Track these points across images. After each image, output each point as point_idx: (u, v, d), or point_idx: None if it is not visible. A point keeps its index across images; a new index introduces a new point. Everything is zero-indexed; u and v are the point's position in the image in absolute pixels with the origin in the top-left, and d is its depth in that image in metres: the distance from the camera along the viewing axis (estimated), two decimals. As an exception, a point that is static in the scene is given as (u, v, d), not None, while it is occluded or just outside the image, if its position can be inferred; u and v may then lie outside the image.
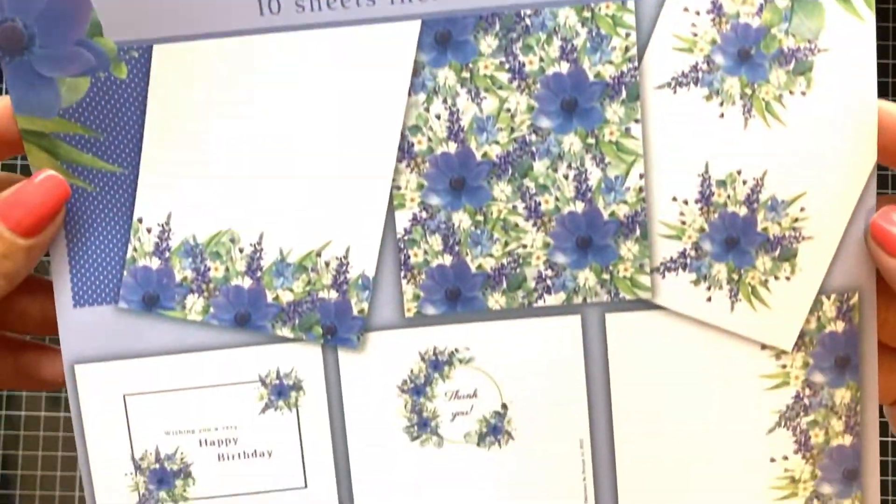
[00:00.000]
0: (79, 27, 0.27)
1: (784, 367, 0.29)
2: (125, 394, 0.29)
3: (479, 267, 0.29)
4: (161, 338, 0.29)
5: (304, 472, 0.30)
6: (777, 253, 0.29)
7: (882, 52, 0.63)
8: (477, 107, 0.28)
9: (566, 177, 0.28)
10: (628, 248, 0.29)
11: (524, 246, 0.29)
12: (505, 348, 0.29)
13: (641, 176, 0.28)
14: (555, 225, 0.28)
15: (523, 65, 0.28)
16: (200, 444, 0.29)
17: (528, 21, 0.27)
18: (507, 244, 0.29)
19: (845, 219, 0.28)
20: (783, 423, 0.30)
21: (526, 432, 0.30)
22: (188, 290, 0.29)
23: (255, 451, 0.29)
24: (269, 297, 0.29)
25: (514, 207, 0.28)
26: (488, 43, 0.28)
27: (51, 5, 0.27)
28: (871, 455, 0.30)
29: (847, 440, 0.30)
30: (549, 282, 0.29)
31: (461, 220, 0.28)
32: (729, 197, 0.28)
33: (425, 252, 0.29)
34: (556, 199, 0.28)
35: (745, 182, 0.28)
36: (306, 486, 0.30)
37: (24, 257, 0.27)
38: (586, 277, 0.29)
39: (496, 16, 0.27)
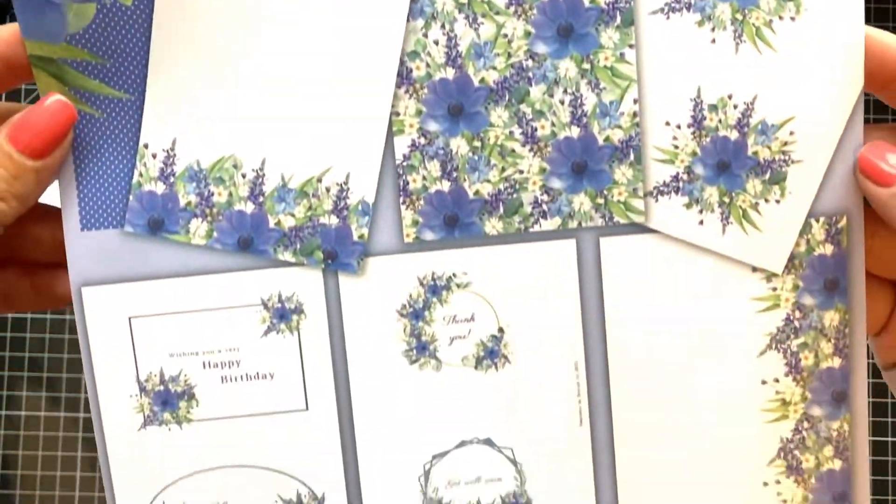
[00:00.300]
0: (85, -46, 0.28)
1: (774, 289, 0.30)
2: (130, 316, 0.30)
3: (477, 193, 0.29)
4: (166, 261, 0.29)
5: (306, 394, 0.30)
6: (767, 176, 0.29)
7: None
8: (475, 32, 0.28)
9: (562, 102, 0.29)
10: (622, 173, 0.29)
11: (521, 171, 0.29)
12: (502, 273, 0.30)
13: (635, 101, 0.29)
14: (551, 150, 0.29)
15: (519, -8, 0.28)
16: (204, 367, 0.30)
17: (523, -51, 0.28)
18: (503, 170, 0.29)
19: (833, 143, 0.29)
20: (774, 346, 0.30)
21: (522, 356, 0.30)
22: (192, 214, 0.29)
23: (258, 373, 0.30)
24: (271, 221, 0.29)
25: (511, 133, 0.29)
26: (485, -29, 0.28)
27: (58, -68, 0.27)
28: (860, 377, 0.30)
29: (836, 362, 0.30)
30: (544, 207, 0.30)
31: (459, 145, 0.29)
32: (720, 121, 0.29)
33: (424, 178, 0.29)
34: (553, 124, 0.29)
35: (735, 106, 0.29)
36: (307, 409, 0.30)
37: (34, 179, 0.28)
38: (581, 202, 0.29)
39: (493, -56, 0.28)
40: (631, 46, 0.28)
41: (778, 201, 0.29)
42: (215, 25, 0.28)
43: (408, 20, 0.28)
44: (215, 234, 0.29)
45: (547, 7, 0.28)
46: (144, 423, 0.30)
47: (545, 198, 0.29)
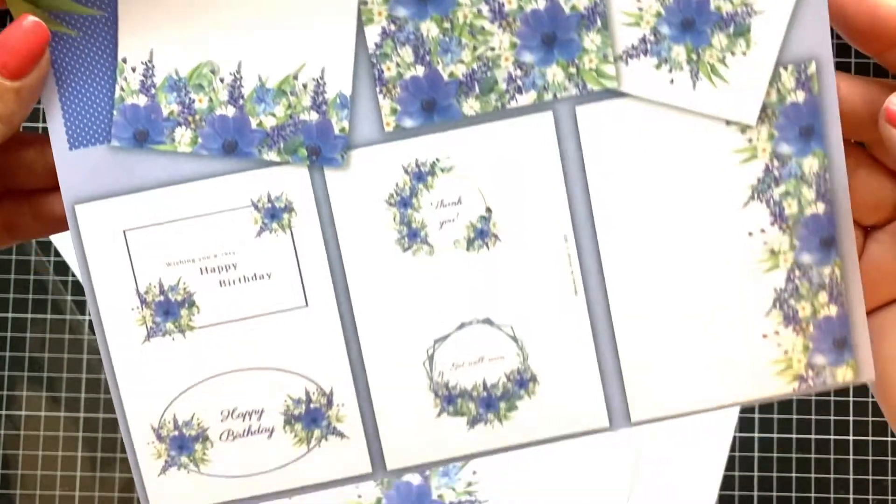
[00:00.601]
0: None
1: (750, 140, 0.31)
2: (125, 229, 0.30)
3: (451, 74, 0.30)
4: (154, 171, 0.30)
5: (304, 291, 0.31)
6: (731, 29, 0.30)
7: None
8: (430, -90, 0.29)
9: (523, -27, 0.30)
10: (591, 40, 0.30)
11: (492, 49, 0.30)
12: (483, 153, 0.31)
13: (594, -36, 0.29)
14: (519, 24, 0.30)
15: None
16: (201, 273, 0.31)
17: None
18: (475, 49, 0.30)
19: (792, -13, 0.30)
20: (756, 196, 0.31)
21: (511, 233, 0.31)
22: (176, 123, 0.30)
23: (255, 274, 0.31)
24: (253, 123, 0.30)
25: (479, 11, 0.30)
26: None
27: None
28: (845, 221, 0.31)
29: (820, 208, 0.31)
30: (519, 82, 0.30)
31: (429, 28, 0.30)
32: (679, -24, 0.30)
33: (398, 65, 0.30)
34: (516, -4, 0.30)
35: (692, -40, 0.29)
36: (307, 305, 0.31)
37: (15, 99, 0.28)
38: (554, 73, 0.30)
39: None
40: (584, -88, 0.29)
41: (744, 53, 0.30)
42: (180, -66, 0.29)
43: None
44: (200, 140, 0.30)
45: None
46: (148, 336, 0.31)
47: (518, 72, 0.30)
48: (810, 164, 0.31)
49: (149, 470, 0.31)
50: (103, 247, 0.30)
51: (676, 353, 0.31)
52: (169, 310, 0.31)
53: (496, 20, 0.30)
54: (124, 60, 0.30)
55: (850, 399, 0.65)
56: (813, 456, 0.63)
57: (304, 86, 0.30)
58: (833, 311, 0.31)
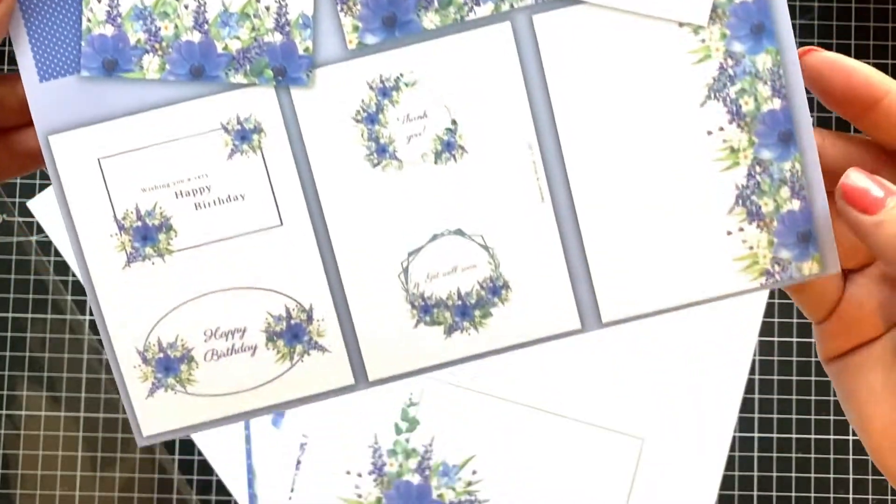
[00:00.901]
0: None
1: (703, 41, 0.31)
2: (99, 157, 0.31)
3: (409, -11, 0.31)
4: (125, 99, 0.31)
5: (278, 210, 0.32)
6: (679, -70, 0.31)
7: (882, 52, 0.66)
8: None
9: None
10: (542, -53, 0.31)
11: (446, -38, 0.31)
12: (446, 66, 0.31)
13: None
14: (471, -64, 0.31)
15: None
16: (177, 196, 0.31)
17: None
18: (430, -37, 0.31)
19: None
20: (713, 96, 0.32)
21: (477, 144, 0.32)
22: (143, 51, 0.31)
23: (229, 195, 0.31)
24: (219, 47, 0.31)
25: (431, -75, 0.30)
26: None
27: None
28: (802, 115, 0.32)
29: (777, 104, 0.32)
30: (475, -7, 0.31)
31: (384, -56, 0.31)
32: None
33: (356, -18, 0.31)
34: None
35: None
36: (282, 224, 0.32)
37: (-17, 33, 0.29)
38: (508, -18, 0.31)
39: None
40: None
41: (694, -47, 0.31)
42: None
43: None
44: (168, 66, 0.31)
45: None
46: (128, 261, 0.31)
47: (474, -16, 0.31)
48: (763, 60, 0.31)
49: (136, 393, 0.32)
50: (79, 176, 0.31)
51: (643, 254, 0.32)
52: (147, 235, 0.31)
53: (450, -67, 0.31)
54: (88, -9, 0.30)
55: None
56: (813, 456, 0.64)
57: (267, 8, 0.31)
58: (796, 205, 0.32)
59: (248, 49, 0.31)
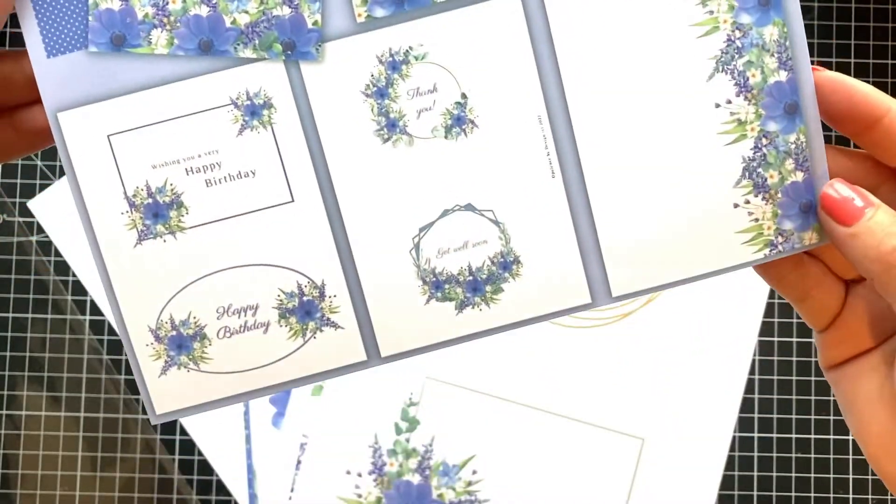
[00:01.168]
0: None
1: (711, 13, 0.32)
2: (109, 134, 0.31)
3: (418, -37, 0.31)
4: (134, 75, 0.31)
5: (289, 186, 0.32)
6: None
7: (882, 52, 0.66)
8: None
9: None
10: (550, -79, 0.31)
11: (455, -64, 0.31)
12: (455, 39, 0.31)
13: None
14: None
15: None
16: (187, 173, 0.31)
17: None
18: (439, -63, 0.31)
19: None
20: (720, 69, 0.32)
21: (488, 118, 0.32)
22: (151, 25, 0.30)
23: (240, 172, 0.31)
24: (227, 21, 0.31)
25: None
26: None
27: None
28: (808, 86, 0.32)
29: (783, 76, 0.32)
30: (484, -34, 0.31)
31: (392, -82, 0.31)
32: None
33: (365, -44, 0.31)
34: None
35: None
36: (293, 200, 0.32)
37: (-10, 9, 0.29)
38: (517, -44, 0.31)
39: None
40: None
41: (700, -75, 0.31)
42: None
43: None
44: (176, 41, 0.31)
45: None
46: (139, 239, 0.31)
47: (483, -43, 0.31)
48: (770, 32, 0.32)
49: (149, 372, 0.32)
50: (88, 153, 0.31)
51: (652, 228, 0.32)
52: (158, 212, 0.31)
53: None
54: (96, -33, 0.30)
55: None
56: (812, 456, 0.64)
57: (275, -18, 0.31)
58: (799, 176, 0.32)
59: (256, 23, 0.31)
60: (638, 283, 0.33)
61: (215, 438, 0.66)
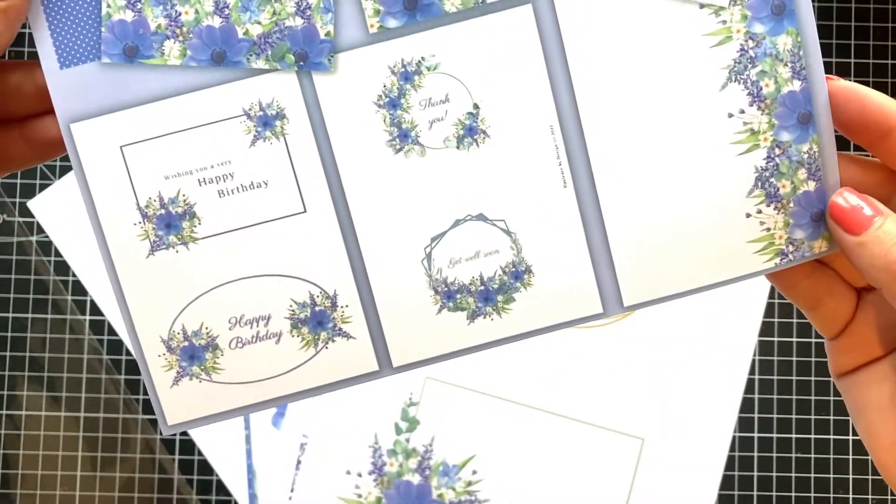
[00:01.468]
0: None
1: (724, 22, 0.31)
2: (121, 145, 0.31)
3: (430, -27, 0.31)
4: (147, 86, 0.31)
5: (301, 196, 0.31)
6: (699, -88, 0.31)
7: (882, 52, 0.66)
8: None
9: None
10: (563, -69, 0.31)
11: (468, -54, 0.31)
12: (468, 49, 0.31)
13: None
14: (492, -80, 0.31)
15: None
16: (200, 184, 0.31)
17: None
18: (451, -53, 0.31)
19: None
20: (734, 78, 0.32)
21: (500, 128, 0.32)
22: (164, 36, 0.30)
23: (252, 182, 0.31)
24: (240, 32, 0.31)
25: None
26: None
27: None
28: (821, 96, 0.32)
29: (797, 85, 0.32)
30: (496, -24, 0.31)
31: (405, -71, 0.30)
32: None
33: (378, -34, 0.31)
34: None
35: None
36: (305, 211, 0.32)
37: (2, 20, 0.29)
38: (530, -34, 0.31)
39: None
40: None
41: (714, -65, 0.31)
42: None
43: None
44: (189, 52, 0.30)
45: None
46: (152, 249, 0.31)
47: (495, -33, 0.31)
48: (784, 42, 0.32)
49: (161, 382, 0.32)
50: (101, 164, 0.31)
51: (664, 238, 0.32)
52: (170, 222, 0.31)
53: (471, -83, 0.31)
54: (108, -22, 0.30)
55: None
56: (812, 456, 0.64)
57: (288, -7, 0.31)
58: (811, 186, 0.32)
59: (269, 34, 0.31)
60: (649, 292, 0.33)
61: (215, 438, 0.66)
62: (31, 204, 0.66)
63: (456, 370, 0.62)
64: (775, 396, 0.64)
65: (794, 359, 0.64)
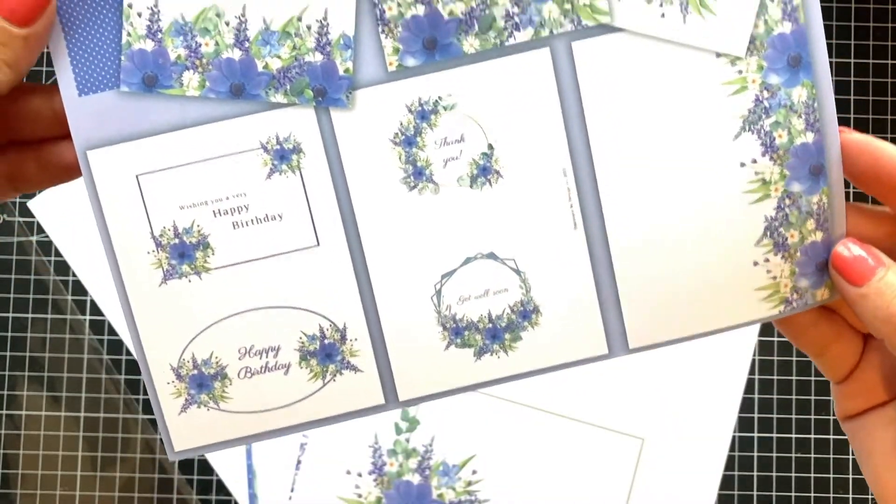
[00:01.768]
0: None
1: (740, 72, 0.32)
2: (137, 174, 0.31)
3: (451, 13, 0.31)
4: (164, 115, 0.31)
5: (315, 230, 0.32)
6: (720, -37, 0.31)
7: (882, 52, 0.66)
8: None
9: (519, -88, 0.30)
10: (585, -24, 0.31)
11: (489, -12, 0.31)
12: (484, 90, 0.32)
13: None
14: (514, -37, 0.31)
15: None
16: (214, 215, 0.31)
17: None
18: (473, -12, 0.31)
19: (778, -79, 0.31)
20: (747, 128, 0.32)
21: (513, 169, 0.32)
22: (183, 67, 0.31)
23: (267, 215, 0.32)
24: (259, 65, 0.31)
25: (475, -49, 0.31)
26: None
27: None
28: (833, 149, 0.32)
29: (809, 137, 0.32)
30: (516, 19, 0.31)
31: (428, -31, 0.31)
32: (670, -88, 0.30)
33: (399, 4, 0.31)
34: (513, -65, 0.30)
35: None
36: (318, 244, 0.32)
37: (23, 46, 0.29)
38: (549, 10, 0.31)
39: None
40: None
41: (733, -14, 0.31)
42: None
43: None
44: (208, 83, 0.31)
45: None
46: (164, 278, 0.31)
47: (516, 10, 0.31)
48: (799, 93, 0.32)
49: (169, 409, 0.32)
50: (117, 192, 0.31)
51: (671, 282, 0.33)
52: (184, 252, 0.31)
53: (493, -40, 0.31)
54: (130, 6, 0.30)
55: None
56: (812, 456, 0.64)
57: (308, 27, 0.31)
58: (819, 236, 0.33)
59: (288, 68, 0.31)
60: (655, 336, 0.33)
61: (215, 437, 0.66)
62: (32, 204, 0.66)
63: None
64: (775, 396, 0.64)
65: (794, 359, 0.64)
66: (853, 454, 0.64)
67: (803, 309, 0.33)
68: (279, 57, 0.31)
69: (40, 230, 0.66)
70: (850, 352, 0.34)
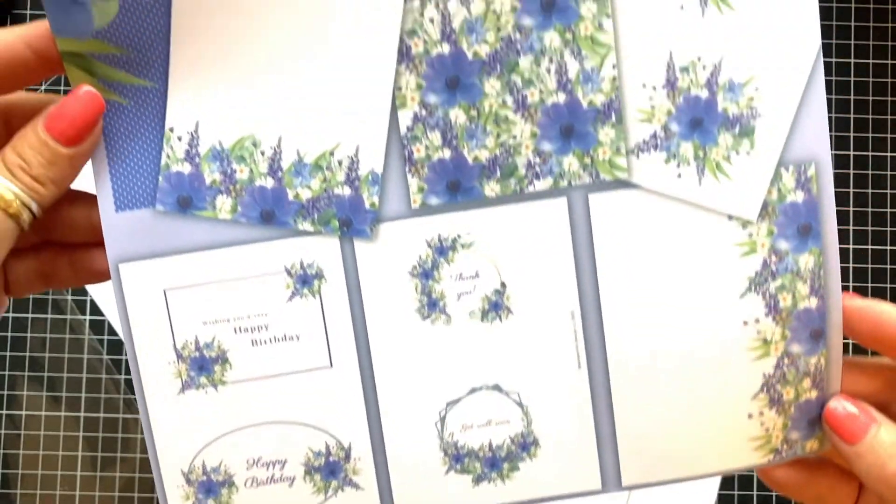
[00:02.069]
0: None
1: (751, 235, 0.33)
2: (165, 289, 0.32)
3: (476, 159, 0.32)
4: (196, 236, 0.32)
5: (329, 352, 0.33)
6: (737, 130, 0.32)
7: (882, 52, 0.66)
8: (466, 9, 0.31)
9: (548, 70, 0.32)
10: (606, 133, 0.32)
11: (514, 137, 0.32)
12: (502, 232, 0.33)
13: (614, 66, 0.32)
14: (540, 115, 0.32)
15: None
16: (235, 332, 0.33)
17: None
18: (499, 136, 0.32)
19: (797, 96, 0.32)
20: (753, 289, 0.33)
21: (523, 307, 0.33)
22: (218, 191, 0.32)
23: (285, 335, 0.33)
24: (290, 195, 0.32)
25: (504, 101, 0.32)
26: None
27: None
28: (835, 315, 0.33)
29: (813, 303, 0.33)
30: (537, 168, 0.32)
31: (457, 115, 0.32)
32: (692, 81, 0.32)
33: (427, 147, 0.32)
34: (541, 91, 0.32)
35: (704, 67, 0.32)
36: (332, 366, 0.33)
37: (68, 165, 0.30)
38: (570, 162, 0.32)
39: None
40: (608, 16, 0.31)
41: (748, 153, 0.32)
42: (228, 13, 0.31)
43: (405, 1, 0.31)
44: (240, 208, 0.32)
45: (531, -14, 0.31)
46: (183, 388, 0.33)
47: (537, 160, 0.32)
48: (806, 260, 0.33)
49: (176, 510, 0.33)
50: (144, 304, 0.32)
51: (667, 428, 0.34)
52: (203, 365, 0.33)
53: (519, 111, 0.32)
54: (171, 129, 0.32)
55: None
56: None
57: (340, 162, 0.32)
58: (813, 394, 0.34)
59: (317, 199, 0.32)
60: (648, 475, 0.34)
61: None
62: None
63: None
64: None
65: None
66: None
67: (791, 458, 0.34)
68: (310, 188, 0.32)
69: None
70: (845, 499, 0.35)
